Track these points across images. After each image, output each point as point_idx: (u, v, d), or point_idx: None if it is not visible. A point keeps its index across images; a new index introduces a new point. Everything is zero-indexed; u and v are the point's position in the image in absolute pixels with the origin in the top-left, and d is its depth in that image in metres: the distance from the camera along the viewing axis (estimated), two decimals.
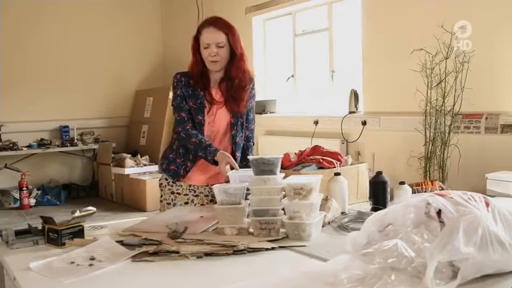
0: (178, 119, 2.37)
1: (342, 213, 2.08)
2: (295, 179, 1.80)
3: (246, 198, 1.91)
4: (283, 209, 1.81)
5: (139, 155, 6.45)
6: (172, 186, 2.45)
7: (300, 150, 2.47)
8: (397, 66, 4.17)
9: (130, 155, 6.41)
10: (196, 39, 2.36)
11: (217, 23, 2.33)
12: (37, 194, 6.22)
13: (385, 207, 2.12)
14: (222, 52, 2.30)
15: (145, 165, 6.29)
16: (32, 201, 6.07)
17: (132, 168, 6.13)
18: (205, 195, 2.47)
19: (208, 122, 2.37)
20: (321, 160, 2.29)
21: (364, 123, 4.61)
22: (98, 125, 7.04)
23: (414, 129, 3.64)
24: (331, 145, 4.46)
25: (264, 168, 1.80)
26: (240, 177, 2.12)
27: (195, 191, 2.45)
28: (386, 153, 4.22)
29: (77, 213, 1.79)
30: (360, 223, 1.95)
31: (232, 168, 2.19)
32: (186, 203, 2.44)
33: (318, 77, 5.48)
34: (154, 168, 6.32)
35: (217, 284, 1.41)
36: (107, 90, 7.15)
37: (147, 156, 6.48)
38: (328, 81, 5.28)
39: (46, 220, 1.81)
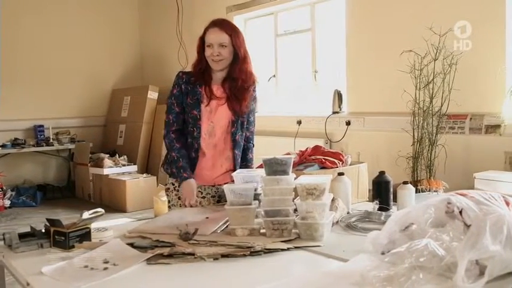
0: (166, 121, 2.42)
1: (347, 213, 2.09)
2: (307, 179, 1.80)
3: (254, 199, 1.90)
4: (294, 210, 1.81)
5: (117, 155, 6.35)
6: (178, 191, 2.43)
7: (301, 150, 2.47)
8: (382, 67, 4.23)
9: (108, 155, 6.30)
10: (202, 39, 2.37)
11: (222, 24, 2.35)
12: (11, 195, 6.05)
13: (388, 206, 2.15)
14: (224, 52, 2.31)
15: (124, 165, 6.20)
16: (7, 202, 5.89)
17: (110, 169, 6.03)
18: (212, 196, 2.46)
19: (208, 117, 2.38)
20: (324, 160, 2.30)
21: (348, 123, 4.66)
22: (74, 125, 6.90)
23: (401, 129, 3.69)
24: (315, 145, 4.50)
25: (277, 168, 1.79)
26: (243, 178, 2.12)
27: (201, 192, 2.43)
28: (371, 153, 4.27)
29: (86, 215, 1.74)
30: (368, 222, 1.99)
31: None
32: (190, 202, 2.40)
33: (300, 77, 5.51)
34: (133, 168, 6.26)
35: (242, 286, 1.40)
36: (83, 89, 7.01)
37: (125, 156, 6.39)
38: (310, 82, 5.31)
39: (53, 222, 1.76)
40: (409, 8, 4.05)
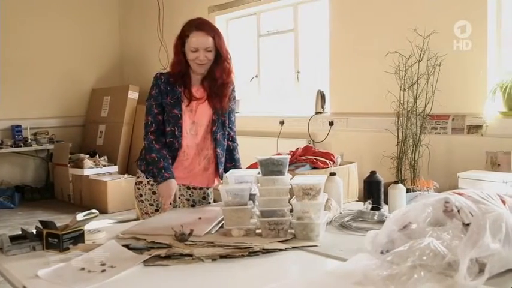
0: (145, 123, 2.40)
1: (339, 213, 2.11)
2: (303, 180, 1.80)
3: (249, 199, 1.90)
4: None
5: (97, 155, 6.27)
6: (153, 185, 2.41)
7: (291, 151, 2.48)
8: (366, 67, 4.27)
9: (88, 156, 6.21)
10: (181, 40, 2.34)
11: (205, 27, 2.32)
12: None
13: (379, 205, 2.18)
14: (210, 56, 2.31)
15: (104, 165, 6.12)
16: None
17: (91, 169, 5.95)
18: (186, 199, 2.46)
19: (189, 116, 2.37)
20: (315, 160, 2.31)
21: (331, 123, 4.69)
22: (52, 125, 6.77)
23: (385, 129, 3.74)
24: (298, 145, 4.50)
25: (273, 168, 1.80)
26: (236, 178, 2.11)
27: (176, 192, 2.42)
28: (354, 153, 4.29)
29: (80, 217, 1.71)
30: (361, 222, 2.01)
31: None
32: (169, 203, 2.38)
33: (282, 78, 5.53)
34: (114, 169, 6.19)
35: (246, 287, 1.40)
36: (61, 88, 6.89)
37: (105, 157, 6.31)
38: (293, 82, 5.33)
39: (46, 224, 1.72)
40: (393, 9, 4.09)
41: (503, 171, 3.34)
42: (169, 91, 2.36)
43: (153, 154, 2.32)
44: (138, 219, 4.93)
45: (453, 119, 3.72)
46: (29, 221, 5.21)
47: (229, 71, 2.38)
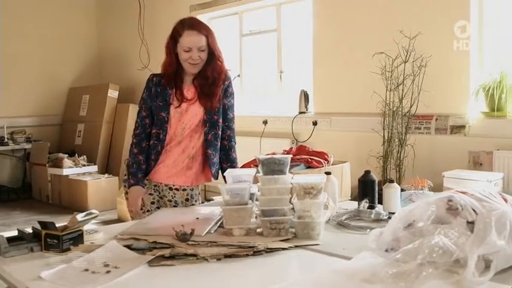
0: (135, 124, 2.43)
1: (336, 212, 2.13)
2: (305, 179, 1.82)
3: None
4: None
5: (76, 155, 6.17)
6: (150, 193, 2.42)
7: (285, 150, 2.50)
8: (350, 68, 4.32)
9: (67, 155, 6.11)
10: (173, 39, 2.33)
11: (198, 26, 2.32)
12: None
13: (374, 204, 2.20)
14: (203, 55, 2.30)
15: (84, 165, 6.03)
16: None
17: (70, 169, 5.85)
18: (168, 200, 2.42)
19: (178, 118, 2.35)
20: (310, 160, 2.33)
21: (315, 123, 4.73)
22: (29, 123, 6.64)
23: (371, 129, 3.79)
24: (282, 145, 4.54)
25: (275, 168, 1.80)
26: (234, 178, 2.10)
27: (159, 192, 2.42)
28: (339, 153, 4.31)
29: (80, 217, 1.69)
30: (359, 220, 2.03)
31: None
32: (153, 202, 2.42)
33: (265, 77, 5.54)
34: (94, 168, 6.10)
35: (253, 287, 1.40)
36: (38, 86, 6.76)
37: (84, 156, 6.21)
38: (276, 82, 5.35)
39: (44, 225, 1.69)
40: (379, 10, 4.14)
41: (485, 171, 3.43)
42: (159, 93, 2.34)
43: (130, 157, 2.37)
44: (120, 219, 4.90)
45: (436, 119, 3.79)
46: (6, 221, 5.11)
47: (220, 70, 2.36)
